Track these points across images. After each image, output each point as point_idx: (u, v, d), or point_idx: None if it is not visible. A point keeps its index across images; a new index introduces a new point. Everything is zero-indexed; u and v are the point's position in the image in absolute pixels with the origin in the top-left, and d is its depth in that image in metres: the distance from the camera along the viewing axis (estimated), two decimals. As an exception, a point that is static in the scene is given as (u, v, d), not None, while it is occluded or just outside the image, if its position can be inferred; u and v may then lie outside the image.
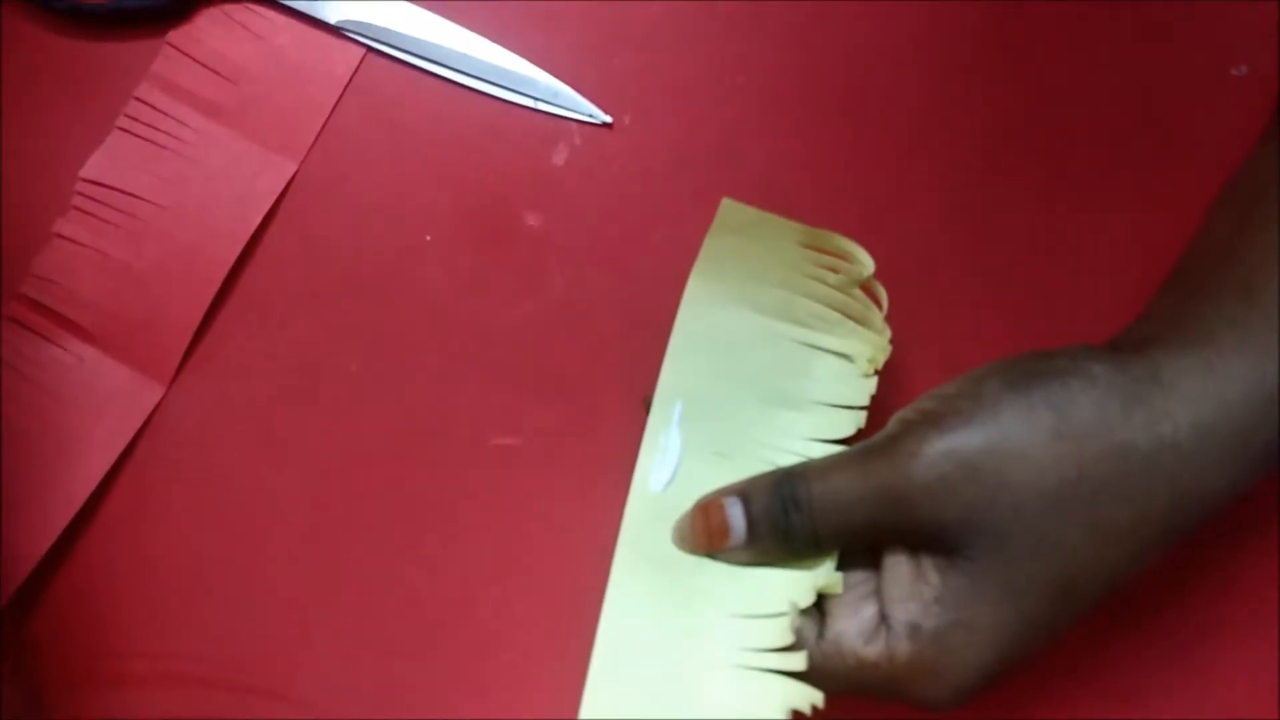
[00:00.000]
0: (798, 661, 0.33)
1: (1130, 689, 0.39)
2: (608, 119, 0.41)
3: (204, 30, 0.41)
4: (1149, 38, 0.41)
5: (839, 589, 0.34)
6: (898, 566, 0.33)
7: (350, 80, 0.41)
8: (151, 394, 0.40)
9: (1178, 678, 0.39)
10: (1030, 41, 0.41)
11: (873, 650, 0.32)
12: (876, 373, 0.36)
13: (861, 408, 0.36)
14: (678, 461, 0.36)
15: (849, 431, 0.36)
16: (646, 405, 0.37)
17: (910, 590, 0.32)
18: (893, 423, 0.34)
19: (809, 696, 0.33)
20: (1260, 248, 0.33)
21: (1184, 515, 0.32)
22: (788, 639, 0.33)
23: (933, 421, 0.32)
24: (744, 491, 0.34)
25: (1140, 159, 0.41)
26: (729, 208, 0.37)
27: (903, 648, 0.32)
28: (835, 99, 0.41)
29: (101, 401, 0.40)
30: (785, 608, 0.34)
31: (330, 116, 0.41)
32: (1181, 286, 0.36)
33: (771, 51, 0.41)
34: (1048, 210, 0.41)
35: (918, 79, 0.41)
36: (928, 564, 0.32)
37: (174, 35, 0.41)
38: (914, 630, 0.32)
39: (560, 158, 0.41)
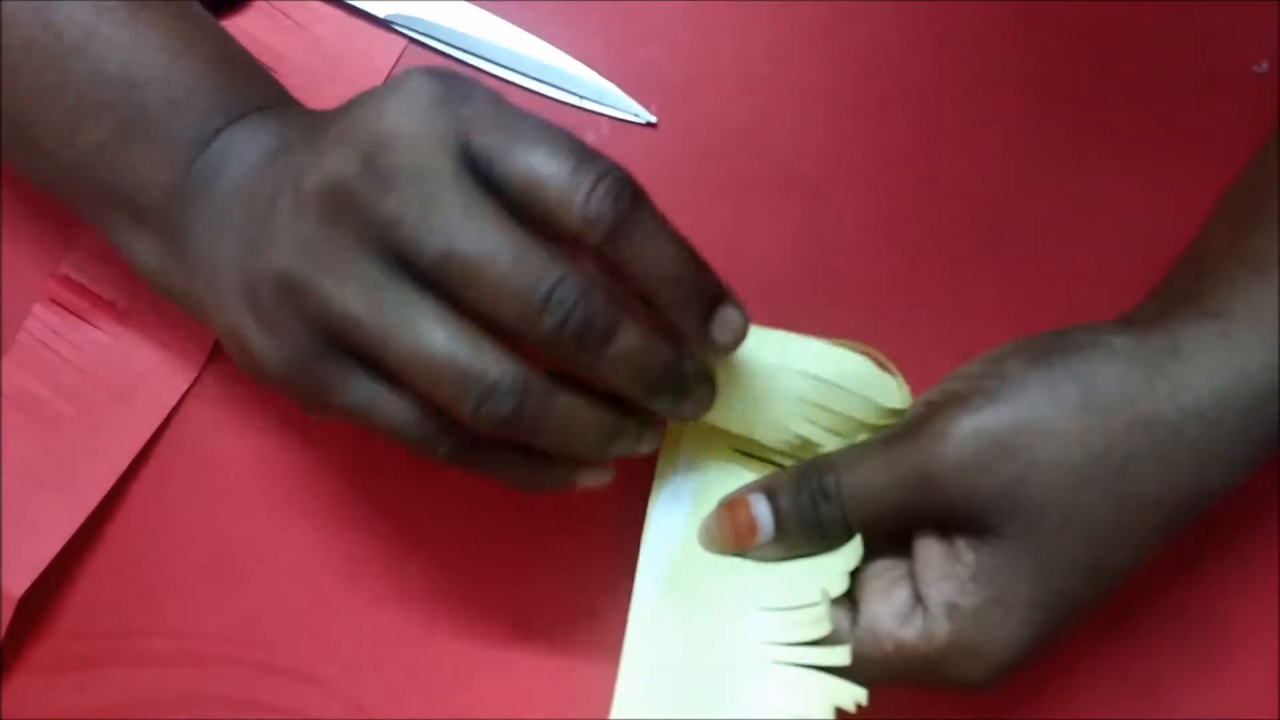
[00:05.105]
0: (840, 656, 0.32)
1: (1133, 687, 0.39)
2: (652, 119, 0.41)
3: (251, 20, 0.41)
4: (1171, 34, 0.41)
5: (859, 556, 0.33)
6: (930, 547, 0.33)
7: (391, 71, 0.41)
8: (185, 374, 0.40)
9: (1179, 675, 0.39)
10: (1053, 37, 0.41)
11: (910, 631, 0.32)
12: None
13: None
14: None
15: None
16: None
17: (945, 570, 0.32)
18: (917, 406, 0.34)
19: (853, 694, 0.32)
20: (1272, 224, 0.34)
21: (1206, 485, 0.32)
22: (824, 629, 0.32)
23: (959, 402, 0.32)
24: (769, 487, 0.34)
25: (1162, 154, 0.41)
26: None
27: (941, 628, 0.32)
28: (860, 90, 0.41)
29: (135, 380, 0.40)
30: (817, 596, 0.33)
31: (369, 107, 0.41)
32: (1194, 264, 0.36)
33: (797, 43, 0.42)
34: (1069, 205, 0.41)
35: (942, 71, 0.41)
36: (961, 544, 0.32)
37: (224, 24, 0.42)
38: (952, 609, 0.32)
39: (589, 148, 0.41)
